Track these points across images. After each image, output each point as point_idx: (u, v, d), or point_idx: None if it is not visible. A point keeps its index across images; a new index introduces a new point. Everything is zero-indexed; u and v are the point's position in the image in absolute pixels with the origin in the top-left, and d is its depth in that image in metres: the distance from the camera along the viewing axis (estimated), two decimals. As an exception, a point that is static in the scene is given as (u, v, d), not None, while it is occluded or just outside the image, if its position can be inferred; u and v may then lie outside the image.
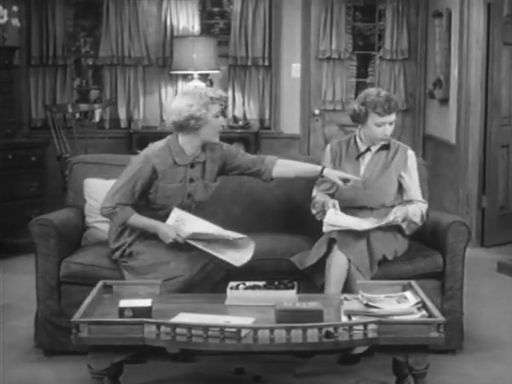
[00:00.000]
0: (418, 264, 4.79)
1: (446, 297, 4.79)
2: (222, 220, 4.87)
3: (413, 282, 4.20)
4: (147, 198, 4.60)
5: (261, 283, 4.16)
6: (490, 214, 7.71)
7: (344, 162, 4.96)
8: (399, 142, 5.11)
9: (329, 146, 5.09)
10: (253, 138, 8.65)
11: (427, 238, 5.05)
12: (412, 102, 9.01)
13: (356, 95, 8.75)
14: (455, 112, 7.79)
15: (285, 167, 4.82)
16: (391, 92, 8.70)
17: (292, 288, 4.09)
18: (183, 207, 4.62)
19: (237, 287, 4.13)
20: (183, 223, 4.52)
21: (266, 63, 8.90)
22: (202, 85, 8.20)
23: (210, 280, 4.52)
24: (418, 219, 4.86)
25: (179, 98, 4.61)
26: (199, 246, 4.45)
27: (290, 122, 8.93)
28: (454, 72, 7.86)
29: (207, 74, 8.69)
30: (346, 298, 4.02)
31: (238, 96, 8.94)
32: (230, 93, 8.88)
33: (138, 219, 4.56)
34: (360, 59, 9.11)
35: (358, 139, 4.99)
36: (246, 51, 8.86)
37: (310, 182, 5.07)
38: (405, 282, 4.26)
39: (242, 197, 5.37)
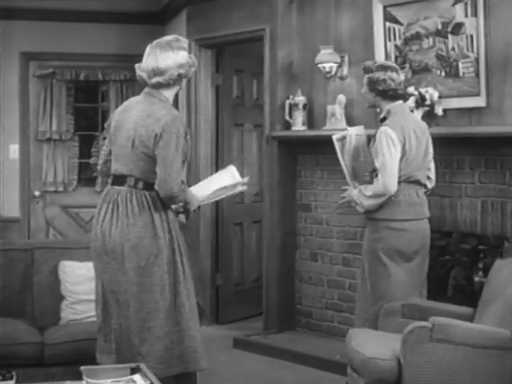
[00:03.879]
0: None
1: (182, 377, 4.52)
2: None
3: (142, 365, 3.93)
4: None
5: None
6: (224, 291, 7.63)
7: None
8: None
9: None
10: (-34, 222, 8.20)
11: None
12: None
13: (79, 176, 8.59)
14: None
15: None
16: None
17: (10, 378, 3.73)
18: None
19: None
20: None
21: (-19, 144, 8.49)
22: None
23: None
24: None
25: (172, 54, 4.22)
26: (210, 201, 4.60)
27: (9, 204, 8.50)
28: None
29: None
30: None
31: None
32: None
33: (190, 193, 4.32)
34: (83, 140, 8.81)
35: None
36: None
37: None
38: (133, 364, 3.99)
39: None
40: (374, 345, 4.22)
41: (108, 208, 4.24)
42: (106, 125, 4.60)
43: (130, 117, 4.26)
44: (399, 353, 3.96)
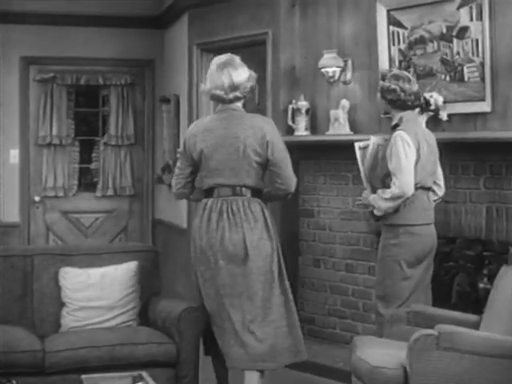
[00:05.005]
0: (150, 350, 4.69)
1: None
2: None
3: (144, 374, 3.99)
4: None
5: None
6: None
7: None
8: None
9: None
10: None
11: (159, 325, 4.97)
12: (140, 187, 8.84)
13: (79, 181, 8.56)
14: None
15: None
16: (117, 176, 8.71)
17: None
18: None
19: None
20: None
21: (-19, 149, 8.47)
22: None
23: None
24: None
25: (241, 70, 4.71)
26: None
27: (9, 209, 8.51)
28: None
29: None
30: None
31: None
32: None
33: None
34: (83, 145, 8.79)
35: None
36: (-44, 137, 8.43)
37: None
38: (135, 373, 4.03)
39: None
40: (379, 353, 4.18)
41: (220, 217, 4.58)
42: (179, 150, 4.94)
43: (228, 132, 4.61)
44: (405, 361, 3.91)
